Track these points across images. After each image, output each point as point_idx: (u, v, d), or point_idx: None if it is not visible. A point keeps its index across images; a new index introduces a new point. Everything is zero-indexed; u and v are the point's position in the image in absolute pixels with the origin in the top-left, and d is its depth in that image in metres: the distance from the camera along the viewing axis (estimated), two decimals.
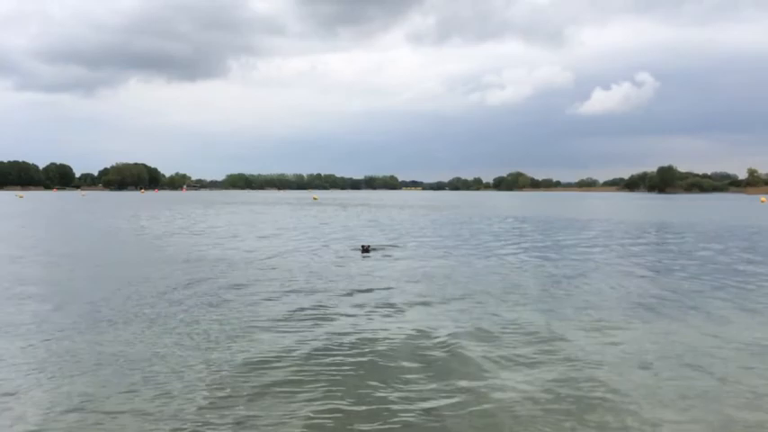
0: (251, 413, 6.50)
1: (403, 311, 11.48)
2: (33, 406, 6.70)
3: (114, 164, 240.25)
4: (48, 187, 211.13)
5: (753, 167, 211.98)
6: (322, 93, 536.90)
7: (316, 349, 8.85)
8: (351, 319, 10.77)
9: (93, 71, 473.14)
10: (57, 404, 6.75)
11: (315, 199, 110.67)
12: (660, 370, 8.02)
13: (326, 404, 6.76)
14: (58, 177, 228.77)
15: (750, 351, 8.95)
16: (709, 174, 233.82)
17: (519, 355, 8.59)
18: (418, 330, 10.01)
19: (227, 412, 6.51)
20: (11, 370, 7.86)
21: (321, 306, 11.89)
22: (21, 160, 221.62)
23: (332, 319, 10.76)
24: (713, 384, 7.49)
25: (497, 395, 7.05)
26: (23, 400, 6.87)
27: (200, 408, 6.61)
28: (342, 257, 19.81)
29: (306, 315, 11.08)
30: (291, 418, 6.41)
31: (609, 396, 7.04)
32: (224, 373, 7.76)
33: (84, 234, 31.52)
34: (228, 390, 7.16)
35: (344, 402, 6.81)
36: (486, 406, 6.73)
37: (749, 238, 29.31)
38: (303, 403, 6.78)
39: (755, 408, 6.76)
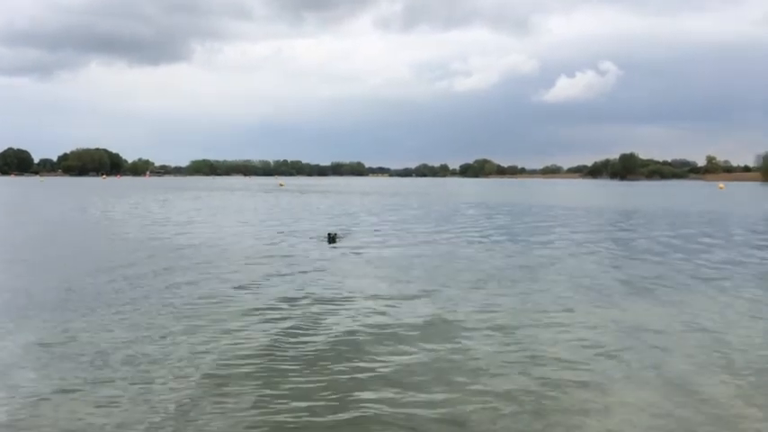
0: (214, 401, 6.52)
1: (366, 301, 11.51)
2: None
3: (74, 149, 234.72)
4: (5, 173, 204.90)
5: (711, 155, 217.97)
6: (288, 78, 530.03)
7: (282, 341, 8.86)
8: (315, 309, 10.79)
9: (51, 53, 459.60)
10: (21, 392, 6.68)
11: (281, 185, 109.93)
12: (620, 354, 8.27)
13: (291, 392, 6.82)
14: (16, 163, 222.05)
15: (708, 333, 9.29)
16: (669, 161, 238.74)
17: (480, 341, 8.75)
18: (384, 321, 10.11)
19: (192, 399, 6.52)
20: None
21: (285, 297, 11.87)
22: None
23: (294, 310, 10.76)
24: (673, 368, 7.76)
25: (459, 379, 7.20)
26: None
27: (163, 399, 6.61)
28: (307, 246, 19.78)
29: (270, 306, 11.07)
30: (255, 409, 6.46)
31: (569, 381, 7.23)
32: (188, 361, 7.76)
33: (42, 221, 30.82)
34: (193, 376, 7.16)
35: (310, 393, 6.88)
36: (448, 391, 6.87)
37: (710, 222, 30.15)
38: (270, 393, 6.83)
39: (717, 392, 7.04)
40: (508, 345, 8.75)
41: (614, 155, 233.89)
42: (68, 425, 6.08)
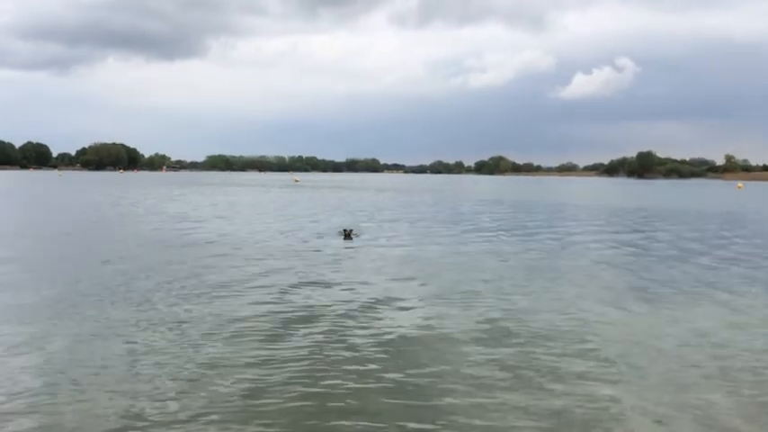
0: (228, 400, 6.59)
1: (377, 299, 11.48)
2: (14, 382, 6.74)
3: (92, 144, 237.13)
4: (24, 167, 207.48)
5: (730, 154, 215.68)
6: (303, 74, 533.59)
7: (290, 334, 8.91)
8: (330, 310, 10.80)
9: (69, 48, 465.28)
10: (36, 380, 6.78)
11: (296, 181, 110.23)
12: (630, 358, 8.23)
13: (305, 393, 6.85)
14: (35, 157, 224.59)
15: (720, 338, 9.20)
16: (687, 159, 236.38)
17: (498, 343, 8.74)
18: (392, 320, 10.12)
19: (204, 394, 6.58)
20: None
21: (296, 292, 11.90)
22: None
23: (309, 308, 10.78)
24: (683, 375, 7.70)
25: (475, 383, 7.17)
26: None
27: (176, 394, 6.68)
28: (322, 242, 19.84)
29: (281, 300, 11.11)
30: (265, 410, 6.51)
31: (580, 387, 7.21)
32: (203, 357, 7.82)
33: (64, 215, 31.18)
34: (209, 374, 7.22)
35: (322, 393, 6.93)
36: (464, 395, 6.86)
37: (728, 223, 29.83)
38: (279, 395, 6.88)
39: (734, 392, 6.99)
40: (516, 345, 8.74)
41: (631, 153, 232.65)
42: (95, 407, 6.18)
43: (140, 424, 5.92)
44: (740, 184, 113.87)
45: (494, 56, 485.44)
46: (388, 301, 11.19)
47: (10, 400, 6.43)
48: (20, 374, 7.17)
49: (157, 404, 6.35)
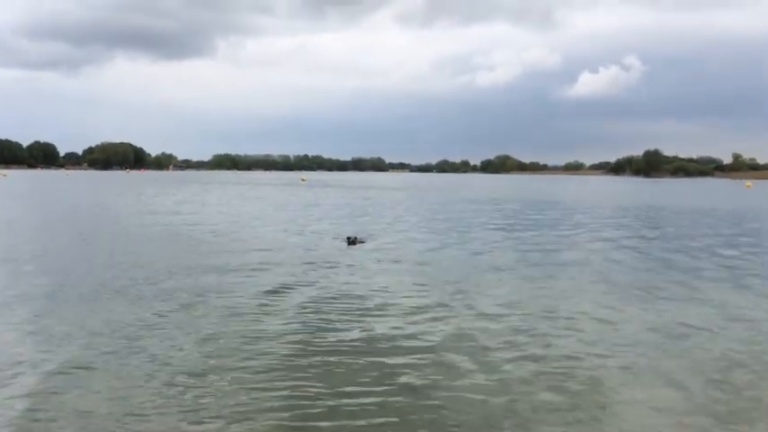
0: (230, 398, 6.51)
1: (391, 306, 11.37)
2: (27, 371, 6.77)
3: (99, 143, 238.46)
4: (31, 166, 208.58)
5: (737, 152, 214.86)
6: (310, 73, 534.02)
7: (299, 344, 8.82)
8: (335, 316, 10.70)
9: (77, 48, 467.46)
10: (48, 367, 6.82)
11: (303, 180, 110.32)
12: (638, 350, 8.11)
13: (307, 395, 6.78)
14: (42, 156, 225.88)
15: (730, 332, 9.07)
16: (694, 158, 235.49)
17: (497, 350, 8.64)
18: (408, 329, 10.02)
19: (206, 392, 6.53)
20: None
21: (298, 298, 11.76)
22: (3, 138, 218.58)
23: (313, 315, 10.66)
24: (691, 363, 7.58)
25: (484, 384, 7.09)
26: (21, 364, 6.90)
27: (177, 389, 6.61)
28: (327, 247, 19.74)
29: (287, 311, 10.96)
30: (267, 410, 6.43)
31: (584, 380, 7.10)
32: (206, 357, 7.76)
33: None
34: (211, 371, 7.17)
35: (326, 395, 6.84)
36: (474, 396, 6.78)
37: (739, 222, 29.59)
38: (283, 396, 6.80)
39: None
40: (525, 346, 8.62)
41: (638, 151, 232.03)
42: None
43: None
44: (749, 182, 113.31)
45: (501, 54, 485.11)
46: (386, 309, 11.04)
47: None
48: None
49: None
